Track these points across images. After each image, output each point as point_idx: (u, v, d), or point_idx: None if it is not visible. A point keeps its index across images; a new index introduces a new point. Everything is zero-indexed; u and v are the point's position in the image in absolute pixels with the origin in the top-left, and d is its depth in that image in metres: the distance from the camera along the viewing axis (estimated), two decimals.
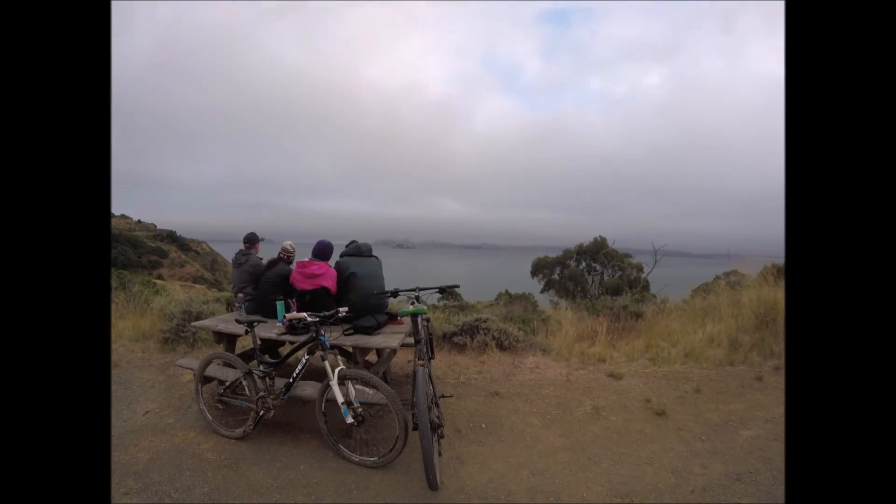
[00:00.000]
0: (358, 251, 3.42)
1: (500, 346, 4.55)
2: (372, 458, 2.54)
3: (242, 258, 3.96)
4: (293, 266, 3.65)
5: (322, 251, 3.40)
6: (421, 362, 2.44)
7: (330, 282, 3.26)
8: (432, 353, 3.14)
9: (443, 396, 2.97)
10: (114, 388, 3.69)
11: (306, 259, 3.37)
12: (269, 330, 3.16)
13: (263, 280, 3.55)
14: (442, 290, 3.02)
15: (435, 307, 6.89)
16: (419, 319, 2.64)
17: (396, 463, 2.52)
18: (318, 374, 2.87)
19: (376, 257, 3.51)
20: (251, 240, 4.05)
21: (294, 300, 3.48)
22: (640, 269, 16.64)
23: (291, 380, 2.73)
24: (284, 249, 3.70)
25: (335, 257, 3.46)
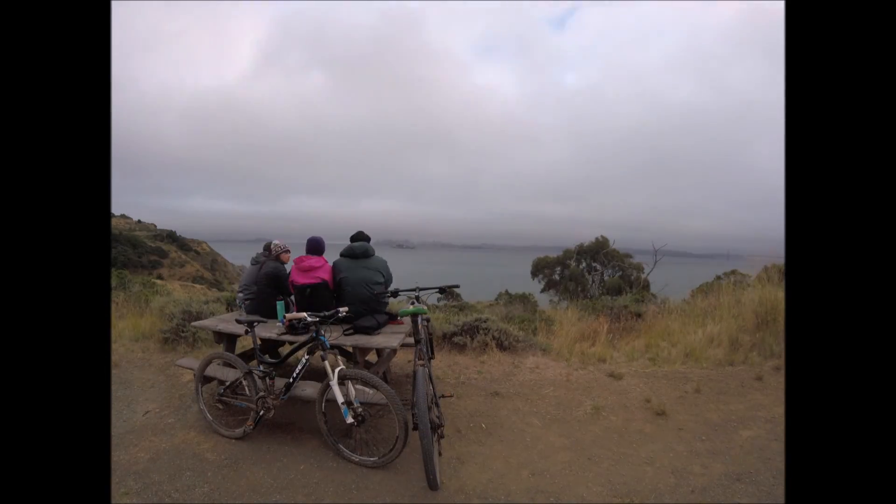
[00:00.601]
0: (350, 252, 3.29)
1: (500, 346, 4.55)
2: (372, 458, 2.54)
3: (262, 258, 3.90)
4: (286, 263, 3.65)
5: (315, 246, 3.36)
6: (421, 362, 2.44)
7: (326, 275, 3.25)
8: (432, 353, 3.14)
9: (443, 396, 2.97)
10: (114, 388, 3.69)
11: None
12: (269, 330, 3.17)
13: (258, 280, 3.56)
14: (442, 290, 3.02)
15: (435, 307, 6.89)
16: (419, 319, 2.64)
17: (396, 463, 2.52)
18: (318, 374, 2.88)
19: (379, 257, 3.38)
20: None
21: (293, 300, 3.48)
22: (640, 269, 16.64)
23: (291, 380, 2.73)
24: (277, 246, 3.67)
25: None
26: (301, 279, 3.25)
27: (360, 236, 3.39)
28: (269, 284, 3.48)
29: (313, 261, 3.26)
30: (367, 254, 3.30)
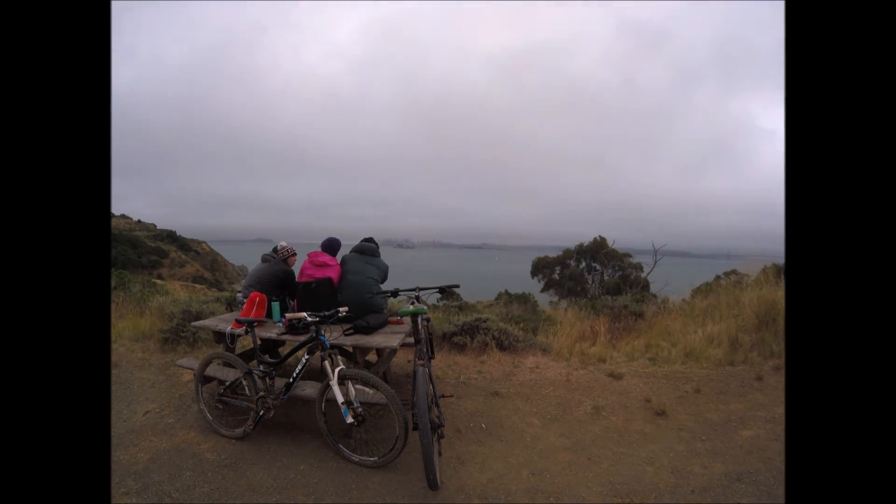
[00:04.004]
0: (359, 249, 3.48)
1: (500, 346, 4.55)
2: (372, 458, 2.54)
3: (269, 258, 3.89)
4: (292, 266, 3.72)
5: (330, 245, 3.56)
6: (421, 362, 2.44)
7: (334, 274, 3.37)
8: (432, 353, 3.14)
9: (443, 396, 2.97)
10: (114, 388, 3.69)
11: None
12: (270, 330, 3.17)
13: (263, 280, 3.58)
14: (442, 290, 3.03)
15: (435, 307, 6.89)
16: (419, 319, 2.64)
17: (396, 463, 2.52)
18: (318, 374, 2.88)
19: (382, 260, 3.51)
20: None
21: (293, 300, 3.49)
22: (640, 268, 16.63)
23: (291, 380, 2.73)
24: (284, 249, 3.73)
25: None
26: (310, 271, 3.38)
27: (370, 241, 3.61)
28: (276, 284, 3.51)
29: (326, 258, 3.44)
30: (372, 252, 3.49)
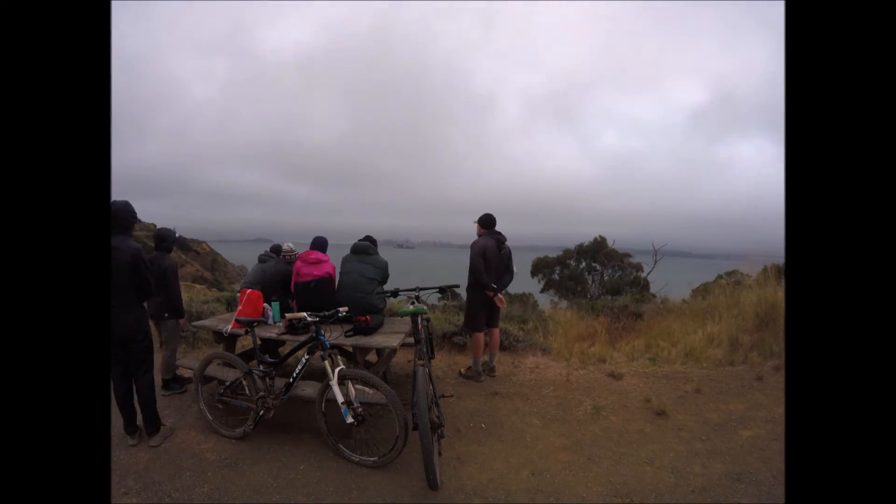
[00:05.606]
0: (354, 249, 3.42)
1: (500, 346, 4.55)
2: (372, 458, 2.54)
3: (267, 258, 3.91)
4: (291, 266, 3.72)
5: (319, 244, 3.56)
6: (421, 362, 2.45)
7: (331, 269, 3.37)
8: (432, 352, 3.14)
9: (443, 396, 2.97)
10: None
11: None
12: (269, 330, 3.17)
13: (266, 279, 3.58)
14: (442, 290, 3.03)
15: (435, 307, 6.89)
16: (419, 319, 2.64)
17: (396, 463, 2.52)
18: (318, 374, 2.88)
19: (380, 257, 3.44)
20: (276, 250, 4.07)
21: (293, 300, 3.49)
22: (639, 268, 16.60)
23: (291, 380, 2.73)
24: (290, 253, 3.76)
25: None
26: (307, 270, 3.34)
27: (366, 238, 3.55)
28: (280, 283, 3.53)
29: (318, 254, 3.42)
30: (367, 251, 3.40)
